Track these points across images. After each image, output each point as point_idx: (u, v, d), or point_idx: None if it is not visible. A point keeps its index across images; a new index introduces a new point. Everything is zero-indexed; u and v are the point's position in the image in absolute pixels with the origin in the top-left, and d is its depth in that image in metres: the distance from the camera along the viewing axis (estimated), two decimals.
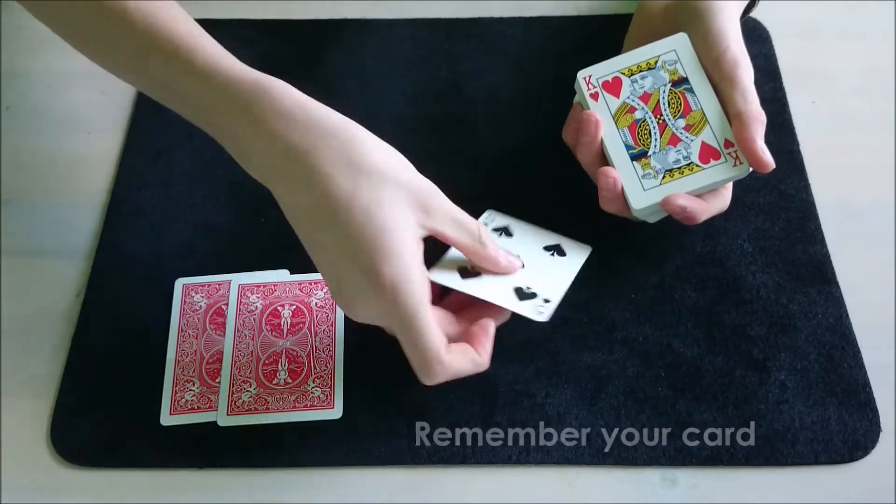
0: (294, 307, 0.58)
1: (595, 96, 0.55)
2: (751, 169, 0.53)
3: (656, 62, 0.55)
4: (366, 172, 0.46)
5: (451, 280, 0.51)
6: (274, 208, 0.61)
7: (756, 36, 0.71)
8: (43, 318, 0.58)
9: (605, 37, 0.62)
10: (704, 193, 0.55)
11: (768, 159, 0.53)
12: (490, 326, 0.50)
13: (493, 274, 0.52)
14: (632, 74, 0.55)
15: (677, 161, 0.54)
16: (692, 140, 0.54)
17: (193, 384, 0.55)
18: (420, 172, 0.49)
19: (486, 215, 0.57)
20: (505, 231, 0.56)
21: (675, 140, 0.54)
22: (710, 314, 0.57)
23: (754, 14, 0.71)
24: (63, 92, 0.70)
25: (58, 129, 0.67)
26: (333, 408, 0.54)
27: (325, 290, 0.58)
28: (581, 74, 0.55)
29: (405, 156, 0.49)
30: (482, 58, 0.70)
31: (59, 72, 0.71)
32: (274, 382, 0.55)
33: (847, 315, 0.57)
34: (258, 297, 0.58)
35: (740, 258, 0.59)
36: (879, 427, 0.53)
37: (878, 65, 0.70)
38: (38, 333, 0.58)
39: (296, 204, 0.47)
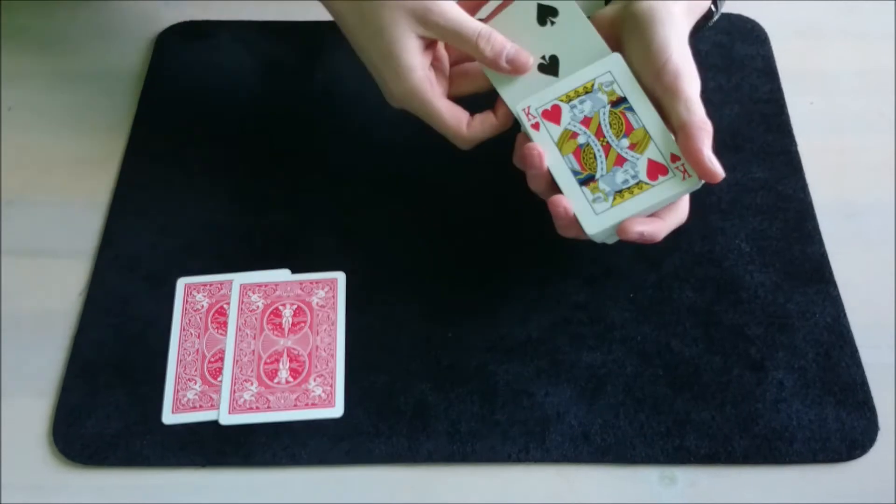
0: (295, 306, 0.58)
1: (536, 126, 0.54)
2: (702, 182, 0.51)
3: (592, 85, 0.53)
4: (367, 3, 0.54)
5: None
6: (274, 208, 0.62)
7: (754, 37, 0.71)
8: (45, 317, 0.58)
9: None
10: (659, 210, 0.53)
11: (717, 169, 0.51)
12: None
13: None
14: (570, 100, 0.54)
15: (626, 181, 0.52)
16: (638, 158, 0.52)
17: (195, 383, 0.55)
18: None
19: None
20: None
21: (620, 160, 0.52)
22: (708, 314, 0.57)
23: (752, 14, 0.72)
24: (64, 92, 0.70)
25: (59, 129, 0.67)
26: (334, 407, 0.54)
27: (325, 290, 0.59)
28: (519, 106, 0.54)
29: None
30: None
31: (60, 72, 0.71)
32: (275, 381, 0.55)
33: (844, 314, 0.57)
34: (259, 297, 0.59)
35: (738, 258, 0.59)
36: (877, 426, 0.53)
37: (877, 65, 0.70)
38: (39, 332, 0.58)
39: (349, 36, 0.58)
